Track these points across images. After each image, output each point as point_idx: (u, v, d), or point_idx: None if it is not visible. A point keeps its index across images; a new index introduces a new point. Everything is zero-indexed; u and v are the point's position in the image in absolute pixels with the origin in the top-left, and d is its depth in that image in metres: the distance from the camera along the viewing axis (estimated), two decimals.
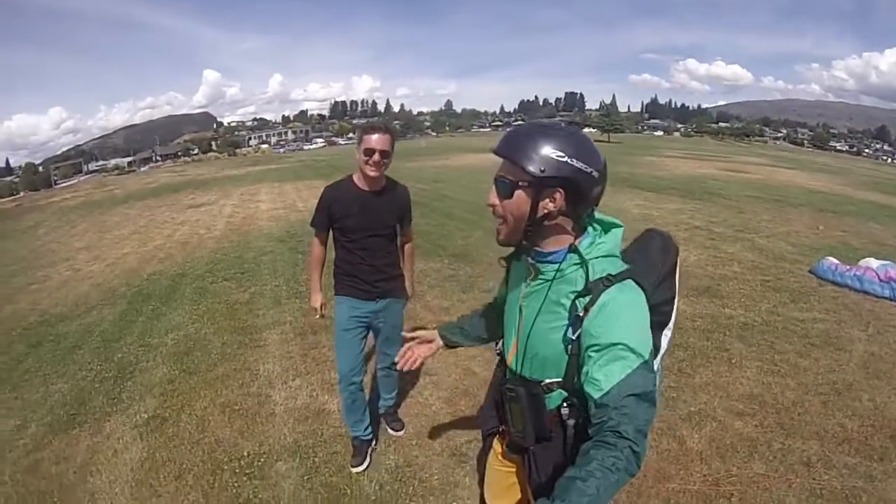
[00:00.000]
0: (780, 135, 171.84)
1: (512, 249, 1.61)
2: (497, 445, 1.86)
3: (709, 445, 3.40)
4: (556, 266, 1.45)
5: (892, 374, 4.40)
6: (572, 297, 1.39)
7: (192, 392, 4.34)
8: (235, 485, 3.19)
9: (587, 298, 1.35)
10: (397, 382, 3.67)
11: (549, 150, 1.35)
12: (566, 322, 1.41)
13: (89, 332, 6.05)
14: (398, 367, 1.95)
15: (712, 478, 3.11)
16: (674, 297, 1.59)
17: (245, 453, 3.48)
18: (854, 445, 3.42)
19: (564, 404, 1.46)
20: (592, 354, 1.33)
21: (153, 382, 4.58)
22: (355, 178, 3.05)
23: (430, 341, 1.99)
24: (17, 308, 7.55)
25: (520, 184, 1.39)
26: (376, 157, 2.86)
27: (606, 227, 1.49)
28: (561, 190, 1.37)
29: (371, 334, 3.31)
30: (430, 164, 29.68)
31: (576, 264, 1.42)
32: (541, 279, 1.50)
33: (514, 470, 1.82)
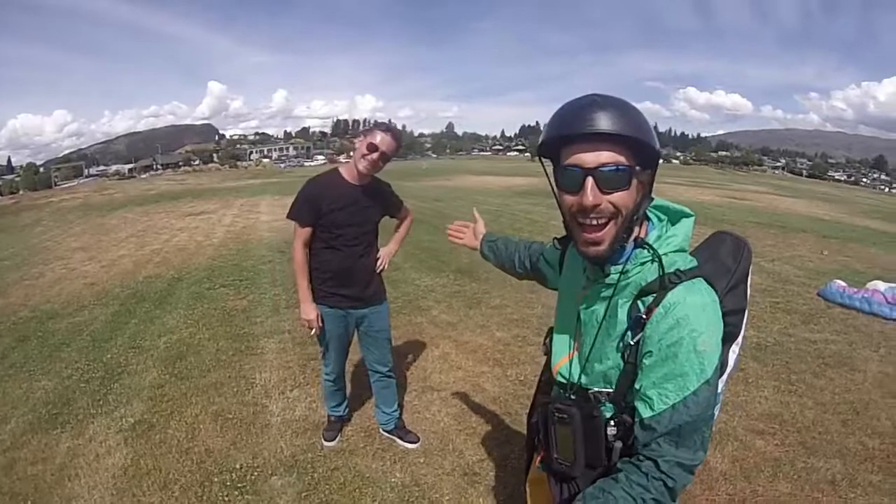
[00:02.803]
0: (779, 164, 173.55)
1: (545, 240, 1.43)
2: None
3: (732, 465, 3.27)
4: (619, 266, 1.23)
5: None
6: (633, 297, 1.21)
7: (183, 398, 4.15)
8: (226, 499, 2.98)
9: (651, 297, 1.17)
10: (396, 393, 3.52)
11: (647, 121, 1.15)
12: (626, 325, 1.22)
13: (79, 330, 5.88)
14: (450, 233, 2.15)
15: (738, 497, 2.99)
16: (745, 308, 1.35)
17: (237, 465, 3.27)
18: (877, 463, 3.35)
19: (612, 422, 1.26)
20: (649, 365, 1.16)
21: (142, 386, 4.39)
22: (343, 171, 2.99)
23: (475, 237, 2.09)
24: (8, 302, 7.37)
25: (637, 168, 1.15)
26: (376, 155, 2.82)
27: (673, 217, 1.29)
28: (650, 171, 1.21)
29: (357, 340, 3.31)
30: (431, 184, 29.87)
31: (644, 262, 1.22)
32: (602, 282, 1.27)
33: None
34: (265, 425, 3.75)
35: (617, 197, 1.14)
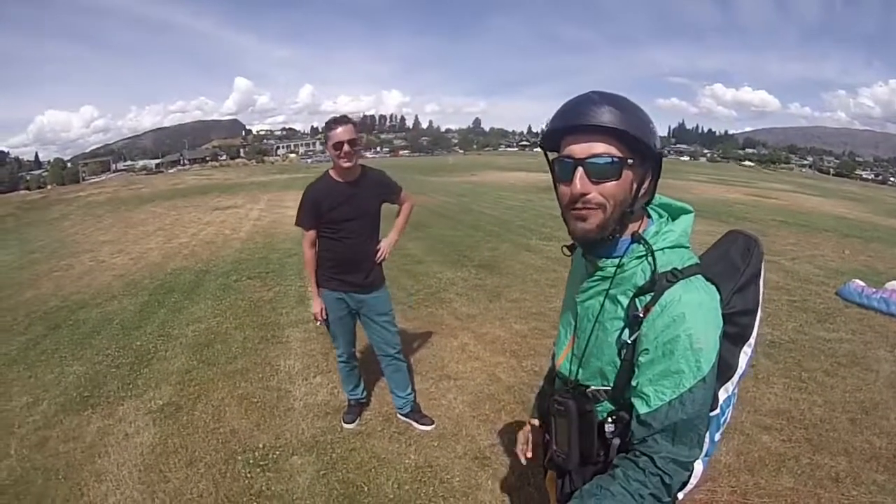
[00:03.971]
0: (806, 162, 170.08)
1: (566, 237, 1.33)
2: None
3: (737, 458, 3.32)
4: (616, 260, 1.26)
5: None
6: (631, 294, 1.22)
7: (210, 383, 4.34)
8: (248, 475, 3.16)
9: (648, 296, 1.18)
10: (408, 376, 3.70)
11: (652, 124, 1.18)
12: (623, 323, 1.25)
13: (109, 319, 6.11)
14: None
15: (740, 490, 3.04)
16: (756, 308, 1.35)
17: (260, 445, 3.45)
18: (883, 463, 3.34)
19: (610, 419, 1.30)
20: (645, 363, 1.19)
21: (170, 371, 4.60)
22: (332, 173, 3.17)
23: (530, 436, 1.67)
24: (39, 293, 7.66)
25: (629, 161, 1.17)
26: (346, 147, 2.97)
27: (674, 213, 1.31)
28: (650, 168, 1.22)
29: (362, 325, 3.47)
30: (457, 179, 29.93)
31: (639, 257, 1.24)
32: (599, 275, 1.30)
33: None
34: (288, 409, 3.93)
35: (605, 187, 1.16)
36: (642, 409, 1.17)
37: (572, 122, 1.17)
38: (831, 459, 3.35)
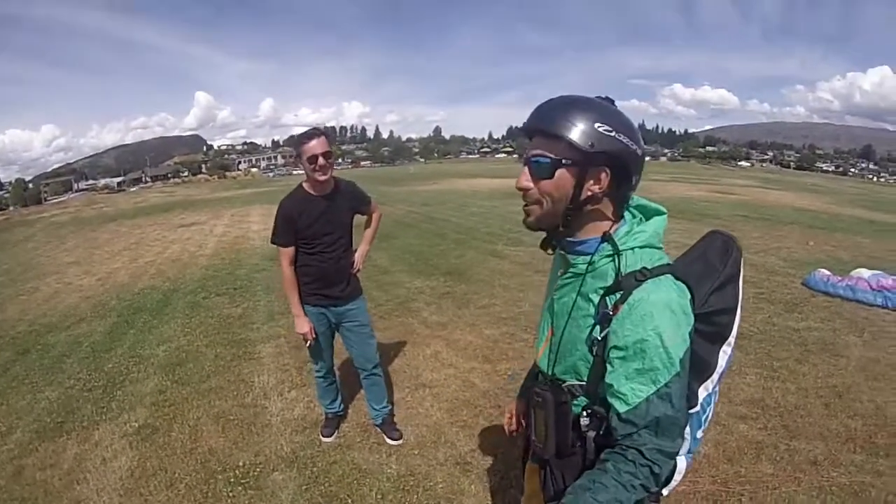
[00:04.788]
0: (766, 157, 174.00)
1: (544, 235, 1.41)
2: None
3: (715, 449, 3.36)
4: (587, 258, 1.30)
5: (890, 376, 4.44)
6: (602, 292, 1.26)
7: (185, 402, 4.25)
8: (230, 495, 3.10)
9: (617, 295, 1.22)
10: (385, 389, 3.66)
11: (595, 124, 1.19)
12: (593, 320, 1.28)
13: (78, 342, 5.96)
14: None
15: (721, 479, 3.08)
16: (736, 307, 1.37)
17: (240, 463, 3.38)
18: (859, 444, 3.43)
19: (585, 413, 1.32)
20: (618, 361, 1.21)
21: (144, 393, 4.49)
22: (306, 185, 3.11)
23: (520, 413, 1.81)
24: (6, 317, 7.46)
25: (563, 161, 1.22)
26: (321, 160, 2.92)
27: (648, 215, 1.34)
28: (607, 169, 1.23)
29: (341, 338, 3.44)
30: (419, 188, 29.82)
31: (608, 256, 1.27)
32: (572, 272, 1.35)
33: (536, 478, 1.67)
34: (265, 425, 3.86)
35: (542, 185, 1.25)
36: (622, 408, 1.20)
37: (526, 125, 1.28)
38: (808, 444, 3.42)
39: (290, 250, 3.12)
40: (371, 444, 3.56)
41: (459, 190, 28.04)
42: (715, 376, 1.38)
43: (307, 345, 3.31)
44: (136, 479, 3.29)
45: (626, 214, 1.34)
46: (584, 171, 1.22)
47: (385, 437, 3.59)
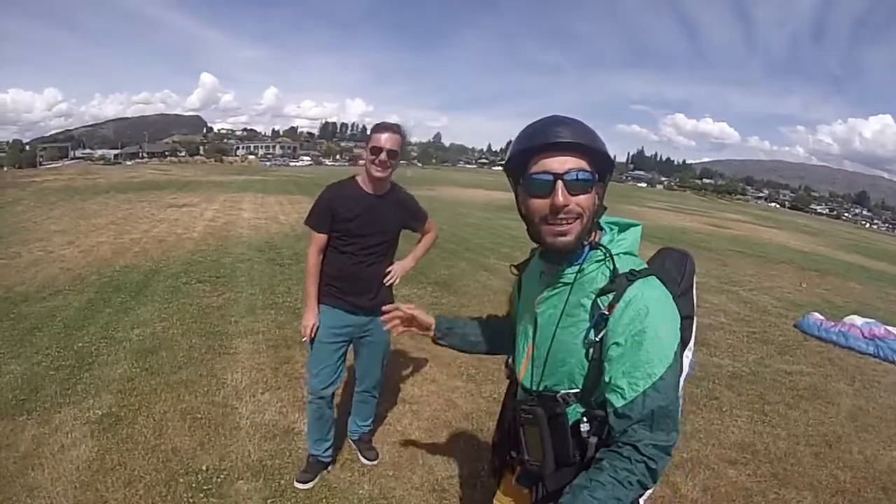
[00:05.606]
0: (762, 195, 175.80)
1: (524, 258, 1.55)
2: (508, 478, 1.65)
3: (703, 494, 3.26)
4: (576, 267, 1.34)
5: (879, 427, 4.46)
6: (594, 296, 1.30)
7: (153, 393, 4.04)
8: (190, 500, 2.89)
9: (611, 295, 1.25)
10: (375, 409, 3.44)
11: (602, 140, 1.29)
12: (588, 324, 1.30)
13: (52, 316, 5.73)
14: (384, 318, 1.76)
15: None
16: (693, 315, 1.46)
17: (204, 467, 3.18)
18: (848, 497, 3.42)
19: (584, 419, 1.32)
20: (615, 357, 1.23)
21: (112, 378, 4.28)
22: (359, 179, 2.90)
23: (424, 327, 1.76)
24: None
25: (594, 175, 1.28)
26: (383, 156, 2.73)
27: (623, 227, 1.41)
28: (603, 181, 1.32)
29: (351, 350, 3.12)
30: (415, 193, 29.43)
31: (598, 261, 1.33)
32: (560, 283, 1.37)
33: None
34: (234, 427, 3.66)
35: (581, 199, 1.26)
36: (618, 402, 1.21)
37: (545, 140, 1.25)
38: (797, 494, 3.38)
39: (322, 238, 2.88)
40: (344, 459, 3.36)
41: (455, 198, 28.08)
42: (681, 379, 1.37)
43: (304, 339, 3.03)
44: (93, 472, 3.08)
45: (605, 227, 1.40)
46: (603, 184, 1.32)
47: (360, 455, 3.39)
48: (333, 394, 3.08)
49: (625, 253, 1.33)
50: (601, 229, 1.39)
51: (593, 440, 1.30)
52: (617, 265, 1.29)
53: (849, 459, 3.85)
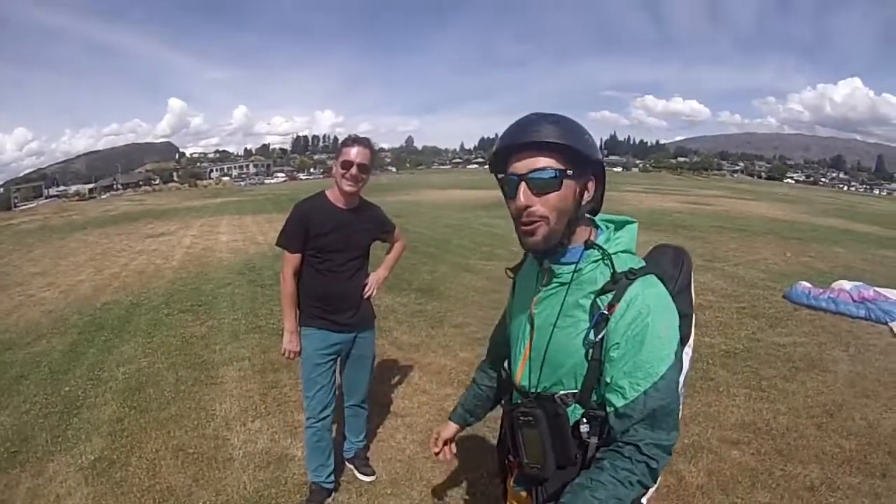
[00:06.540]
0: (737, 168, 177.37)
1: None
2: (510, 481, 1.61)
3: (709, 478, 3.22)
4: (572, 266, 1.31)
5: (879, 391, 4.46)
6: (592, 296, 1.27)
7: (143, 433, 3.95)
8: None
9: (611, 294, 1.23)
10: (366, 423, 3.37)
11: (586, 135, 1.26)
12: (587, 324, 1.27)
13: (37, 361, 5.60)
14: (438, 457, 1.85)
15: None
16: (692, 313, 1.45)
17: (201, 503, 3.10)
18: (855, 465, 3.39)
19: (584, 420, 1.30)
20: (616, 357, 1.22)
21: (101, 420, 4.18)
22: (329, 194, 2.86)
23: (448, 438, 1.85)
24: None
25: (569, 172, 1.24)
26: (354, 170, 2.69)
27: (619, 224, 1.38)
28: (594, 178, 1.31)
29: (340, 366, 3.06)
30: (391, 199, 29.59)
31: (595, 261, 1.30)
32: (556, 283, 1.34)
33: None
34: (227, 459, 3.58)
35: (547, 199, 1.23)
36: (619, 402, 1.20)
37: (515, 140, 1.25)
38: (804, 468, 3.35)
39: (296, 258, 2.82)
40: (341, 481, 3.26)
41: (432, 201, 28.03)
42: (681, 377, 1.36)
43: (287, 356, 2.96)
44: None
45: (601, 225, 1.39)
46: (584, 181, 1.28)
47: (356, 472, 3.32)
48: (332, 417, 3.02)
49: (622, 251, 1.31)
50: (596, 227, 1.37)
51: (594, 440, 1.28)
52: (615, 265, 1.27)
53: (852, 427, 3.84)
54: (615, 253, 1.29)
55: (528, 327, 1.42)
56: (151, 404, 4.41)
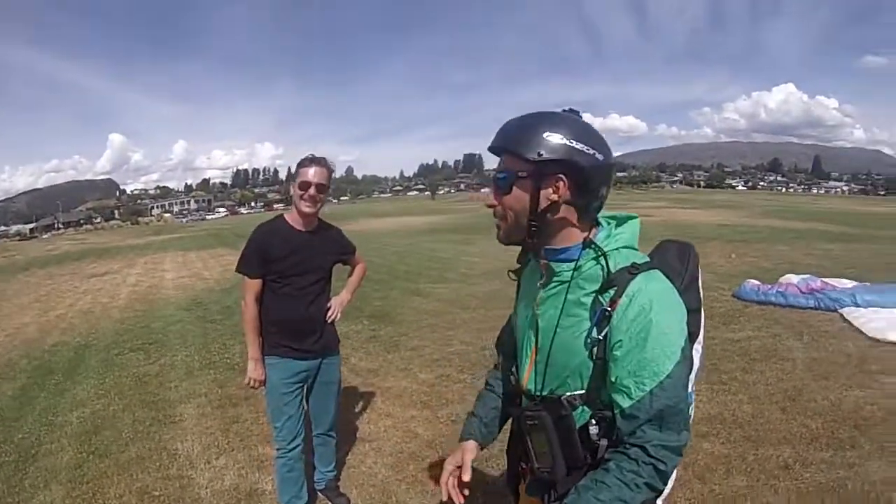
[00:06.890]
0: (676, 178, 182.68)
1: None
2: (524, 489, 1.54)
3: (685, 470, 3.24)
4: (572, 264, 1.28)
5: (837, 372, 4.63)
6: (593, 293, 1.24)
7: (104, 477, 3.75)
8: None
9: (612, 291, 1.20)
10: (335, 452, 3.30)
11: (546, 133, 1.21)
12: (589, 323, 1.24)
13: None
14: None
15: (696, 500, 3.01)
16: (700, 308, 1.43)
17: None
18: (824, 441, 3.52)
19: (593, 421, 1.26)
20: (620, 355, 1.18)
21: (59, 467, 3.95)
22: (288, 217, 2.82)
23: (460, 463, 1.51)
24: None
25: (518, 174, 1.24)
26: (312, 190, 2.67)
27: (621, 221, 1.36)
28: (563, 176, 1.22)
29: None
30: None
31: (593, 259, 1.26)
32: (556, 281, 1.32)
33: None
34: (195, 499, 3.42)
35: (507, 199, 1.28)
36: (625, 402, 1.17)
37: (490, 148, 1.31)
38: (775, 450, 3.45)
39: (256, 283, 2.75)
40: None
41: (377, 229, 27.97)
42: (693, 376, 1.36)
43: (252, 385, 2.86)
44: None
45: (602, 222, 1.35)
46: (538, 181, 1.23)
47: (330, 503, 3.24)
48: (302, 446, 2.93)
49: (624, 247, 1.29)
50: (597, 225, 1.34)
51: (604, 442, 1.25)
52: (611, 263, 1.24)
53: (815, 407, 3.98)
54: (616, 249, 1.27)
55: (533, 330, 1.40)
56: (110, 447, 4.20)
